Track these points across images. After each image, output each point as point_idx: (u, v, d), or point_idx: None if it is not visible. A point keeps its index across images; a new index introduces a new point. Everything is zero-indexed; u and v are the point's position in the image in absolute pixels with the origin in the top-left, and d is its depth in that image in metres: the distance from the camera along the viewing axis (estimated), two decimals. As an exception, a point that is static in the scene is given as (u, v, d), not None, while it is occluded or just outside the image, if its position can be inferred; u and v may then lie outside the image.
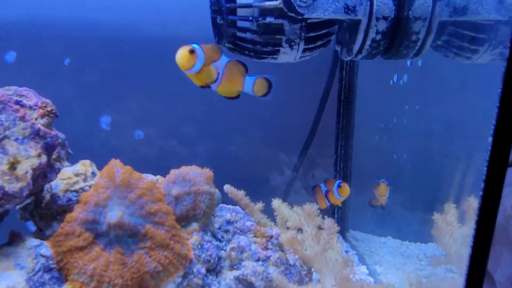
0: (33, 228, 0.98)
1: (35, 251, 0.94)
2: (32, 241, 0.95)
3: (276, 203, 1.20)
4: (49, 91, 1.10)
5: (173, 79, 1.67)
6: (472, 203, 1.14)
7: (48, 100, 1.09)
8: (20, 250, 0.94)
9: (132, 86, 1.65)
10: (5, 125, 0.92)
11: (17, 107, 0.95)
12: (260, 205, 1.25)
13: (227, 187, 1.23)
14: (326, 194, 1.40)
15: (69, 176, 1.09)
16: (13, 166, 0.91)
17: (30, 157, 0.92)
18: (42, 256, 0.94)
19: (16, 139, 0.92)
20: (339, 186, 1.35)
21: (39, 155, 0.94)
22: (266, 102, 1.70)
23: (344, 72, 1.49)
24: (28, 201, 1.08)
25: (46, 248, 0.95)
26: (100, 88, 1.61)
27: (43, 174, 0.96)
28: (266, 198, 1.34)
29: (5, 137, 0.92)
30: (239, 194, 1.24)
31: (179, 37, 1.64)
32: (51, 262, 0.95)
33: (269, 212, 1.30)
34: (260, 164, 1.82)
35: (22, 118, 0.94)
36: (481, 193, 0.75)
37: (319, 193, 1.43)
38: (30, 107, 1.04)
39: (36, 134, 0.95)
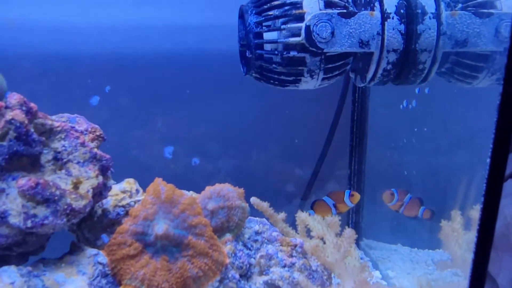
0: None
1: (94, 259, 1.08)
2: (91, 251, 1.09)
3: (303, 215, 1.33)
4: (90, 115, 1.25)
5: (196, 100, 1.83)
6: (475, 212, 1.26)
7: (96, 126, 1.23)
8: (81, 258, 1.07)
9: (158, 107, 1.80)
10: (68, 150, 1.07)
11: (78, 134, 1.09)
12: (282, 215, 1.39)
13: (253, 199, 1.37)
14: (335, 205, 1.54)
15: (117, 193, 1.22)
16: (76, 186, 1.05)
17: (90, 178, 1.06)
18: (100, 263, 1.08)
19: (78, 162, 1.07)
20: (351, 195, 1.51)
21: (97, 176, 1.08)
22: (282, 119, 1.85)
23: (356, 94, 1.63)
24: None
25: (103, 257, 1.09)
26: (130, 110, 1.76)
27: (99, 192, 1.10)
28: (282, 209, 1.47)
29: (69, 160, 1.06)
30: (264, 205, 1.37)
31: (201, 60, 1.79)
32: (107, 268, 1.08)
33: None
34: (276, 177, 1.95)
35: (82, 144, 1.08)
36: (481, 205, 0.88)
37: (323, 206, 1.56)
38: (82, 132, 1.18)
39: (94, 158, 1.09)
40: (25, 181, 0.95)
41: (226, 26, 1.65)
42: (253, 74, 1.30)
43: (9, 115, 0.95)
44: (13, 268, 0.98)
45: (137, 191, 1.26)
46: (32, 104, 1.01)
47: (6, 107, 0.98)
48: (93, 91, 1.55)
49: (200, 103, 1.81)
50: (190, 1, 1.72)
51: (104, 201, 1.19)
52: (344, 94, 1.66)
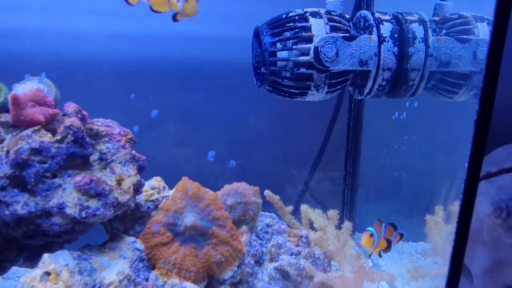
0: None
1: (133, 245, 1.24)
2: (130, 238, 1.26)
3: (304, 208, 1.53)
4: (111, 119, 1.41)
5: (205, 106, 2.00)
6: (454, 207, 1.47)
7: (128, 129, 1.39)
8: (122, 245, 1.24)
9: (170, 111, 1.96)
10: (112, 151, 1.23)
11: (119, 138, 1.26)
12: (290, 208, 1.57)
13: (267, 192, 1.55)
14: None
15: (147, 189, 1.39)
16: (119, 182, 1.22)
17: (130, 176, 1.23)
18: (137, 249, 1.24)
19: (120, 162, 1.23)
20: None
21: (136, 174, 1.25)
22: (282, 125, 2.03)
23: (352, 105, 1.84)
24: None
25: (139, 244, 1.26)
26: (144, 114, 1.91)
27: (137, 188, 1.27)
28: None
29: (112, 161, 1.23)
30: (275, 198, 1.56)
31: (211, 68, 1.96)
32: (143, 254, 1.25)
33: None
34: (276, 177, 2.13)
35: (123, 146, 1.25)
36: (460, 202, 1.08)
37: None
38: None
39: (133, 158, 1.26)
40: (80, 177, 1.11)
41: (233, 38, 1.83)
42: (266, 87, 1.48)
43: (68, 121, 1.12)
44: (66, 252, 1.14)
45: (164, 188, 1.43)
46: (84, 112, 1.17)
47: (64, 115, 1.15)
48: (114, 97, 1.72)
49: (209, 108, 1.98)
50: (205, 13, 1.89)
51: (136, 196, 1.36)
52: (339, 104, 1.86)
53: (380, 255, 1.29)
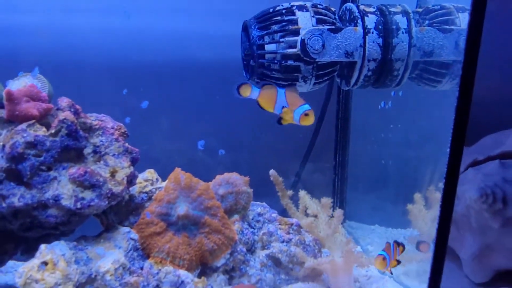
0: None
1: (127, 235, 1.28)
2: (124, 229, 1.29)
3: (302, 193, 1.57)
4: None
5: (197, 101, 2.03)
6: (438, 194, 1.51)
7: (121, 124, 1.42)
8: (116, 235, 1.27)
9: (163, 107, 1.99)
10: (105, 144, 1.26)
11: (112, 131, 1.29)
12: (290, 192, 1.60)
13: (272, 172, 1.58)
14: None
15: (140, 181, 1.42)
16: (112, 174, 1.25)
17: (124, 168, 1.27)
18: (132, 239, 1.28)
19: (113, 155, 1.27)
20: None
21: (129, 166, 1.28)
22: (274, 117, 2.07)
23: (341, 96, 1.88)
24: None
25: (134, 234, 1.29)
26: (138, 109, 1.94)
27: (130, 180, 1.30)
28: (274, 196, 1.69)
29: (106, 153, 1.26)
30: (279, 180, 1.59)
31: (201, 61, 1.99)
32: (138, 243, 1.29)
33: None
34: (268, 169, 2.17)
35: (117, 139, 1.28)
36: (443, 186, 1.11)
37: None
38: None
39: (126, 151, 1.29)
40: (75, 169, 1.15)
41: (224, 35, 1.87)
42: (255, 79, 1.51)
43: (61, 115, 1.15)
44: (62, 242, 1.18)
45: (157, 179, 1.46)
46: (77, 106, 1.20)
47: (58, 109, 1.18)
48: (106, 92, 1.76)
49: (200, 102, 2.01)
50: (188, 10, 1.93)
51: (130, 188, 1.39)
52: (328, 96, 1.90)
53: (391, 273, 1.39)
